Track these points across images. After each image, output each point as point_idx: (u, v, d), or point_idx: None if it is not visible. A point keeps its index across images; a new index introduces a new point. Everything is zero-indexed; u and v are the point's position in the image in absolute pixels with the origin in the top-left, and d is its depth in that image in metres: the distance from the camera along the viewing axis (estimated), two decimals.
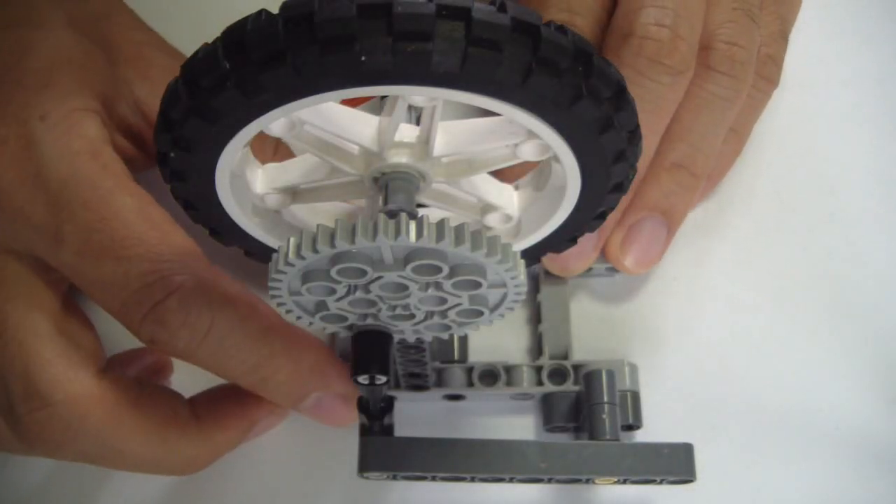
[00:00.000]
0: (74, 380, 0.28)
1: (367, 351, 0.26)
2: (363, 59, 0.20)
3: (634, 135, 0.24)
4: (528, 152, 0.26)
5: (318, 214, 0.30)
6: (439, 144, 0.25)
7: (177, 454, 0.30)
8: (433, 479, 0.30)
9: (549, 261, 0.35)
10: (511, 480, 0.30)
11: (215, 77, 0.21)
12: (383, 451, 0.30)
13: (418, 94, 0.22)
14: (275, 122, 0.24)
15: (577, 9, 0.33)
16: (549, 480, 0.30)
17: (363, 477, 0.30)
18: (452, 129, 0.26)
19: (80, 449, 0.29)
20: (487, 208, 0.29)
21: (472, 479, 0.30)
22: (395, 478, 0.30)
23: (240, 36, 0.21)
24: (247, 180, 0.28)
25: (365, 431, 0.30)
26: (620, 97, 0.23)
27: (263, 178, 0.28)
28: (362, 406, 0.29)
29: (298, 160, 0.28)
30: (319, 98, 0.22)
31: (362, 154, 0.26)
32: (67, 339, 0.29)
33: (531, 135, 0.24)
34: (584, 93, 0.22)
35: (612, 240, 0.34)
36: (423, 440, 0.30)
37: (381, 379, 0.26)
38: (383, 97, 0.24)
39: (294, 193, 0.28)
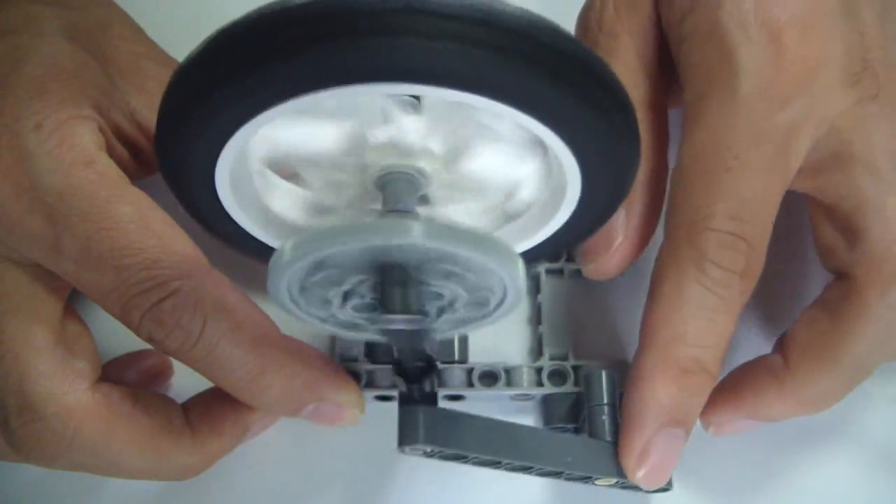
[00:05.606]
0: (68, 392, 0.28)
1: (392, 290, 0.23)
2: (357, 56, 0.20)
3: (634, 133, 0.24)
4: (517, 138, 0.25)
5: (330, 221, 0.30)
6: (425, 139, 0.25)
7: (172, 463, 0.30)
8: (471, 461, 0.28)
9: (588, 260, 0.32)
10: (534, 472, 0.30)
11: (200, 83, 0.21)
12: (431, 422, 0.27)
13: (398, 92, 0.22)
14: (258, 148, 0.23)
15: None
16: (565, 476, 0.30)
17: (402, 451, 0.27)
18: (435, 122, 0.26)
19: (74, 460, 0.29)
20: (497, 202, 0.29)
21: (507, 467, 0.29)
22: (431, 455, 0.28)
23: (224, 37, 0.21)
24: (258, 193, 0.28)
25: (405, 400, 0.27)
26: (622, 102, 0.23)
27: (278, 193, 0.28)
28: (397, 366, 0.27)
29: (306, 175, 0.28)
30: (303, 101, 0.22)
31: (354, 162, 0.26)
32: (64, 351, 0.29)
33: (519, 126, 0.24)
34: (590, 105, 0.22)
35: (629, 453, 0.30)
36: (475, 417, 0.28)
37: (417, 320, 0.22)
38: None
39: (308, 204, 0.28)
